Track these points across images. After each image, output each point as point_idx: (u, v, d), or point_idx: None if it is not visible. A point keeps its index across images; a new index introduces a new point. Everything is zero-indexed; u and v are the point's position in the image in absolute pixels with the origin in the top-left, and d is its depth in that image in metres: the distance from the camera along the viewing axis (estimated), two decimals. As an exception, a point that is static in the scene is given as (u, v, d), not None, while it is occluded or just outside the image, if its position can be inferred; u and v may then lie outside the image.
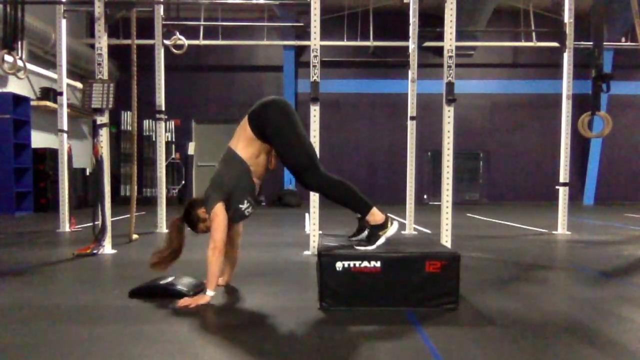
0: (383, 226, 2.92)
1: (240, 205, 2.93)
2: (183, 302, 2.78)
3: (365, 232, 2.99)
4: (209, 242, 2.82)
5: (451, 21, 4.45)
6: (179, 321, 2.53)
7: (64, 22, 6.65)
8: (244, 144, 2.91)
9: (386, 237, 2.92)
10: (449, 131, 4.50)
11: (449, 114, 4.47)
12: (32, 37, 8.81)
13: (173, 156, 11.96)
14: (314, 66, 4.54)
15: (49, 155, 9.19)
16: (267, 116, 2.88)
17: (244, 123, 2.93)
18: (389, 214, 3.01)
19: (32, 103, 9.22)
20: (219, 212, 2.83)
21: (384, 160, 12.65)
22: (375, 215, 2.93)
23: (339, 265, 2.71)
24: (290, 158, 2.90)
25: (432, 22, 7.56)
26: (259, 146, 2.92)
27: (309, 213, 4.66)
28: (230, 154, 2.94)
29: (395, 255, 2.74)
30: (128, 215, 5.63)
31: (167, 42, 6.93)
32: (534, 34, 11.02)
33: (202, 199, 2.98)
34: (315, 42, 4.53)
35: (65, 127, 6.54)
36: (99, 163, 4.63)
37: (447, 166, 4.50)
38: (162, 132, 6.62)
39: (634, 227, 7.17)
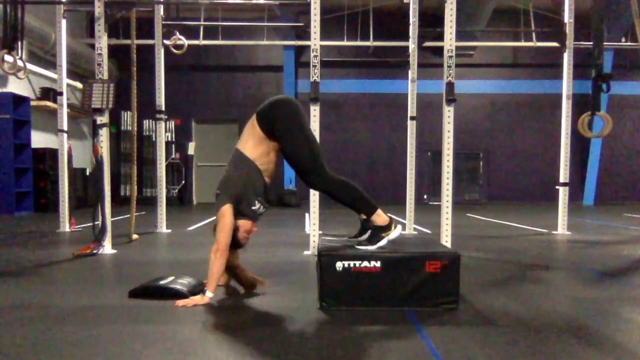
0: (386, 228, 2.90)
1: (253, 207, 2.90)
2: (181, 302, 2.78)
3: (367, 233, 2.96)
4: (213, 244, 2.81)
5: (451, 21, 4.45)
6: (179, 321, 2.53)
7: (64, 22, 6.64)
8: (253, 142, 2.88)
9: (388, 240, 2.90)
10: (449, 131, 4.49)
11: (449, 114, 4.47)
12: (32, 37, 8.82)
13: (173, 156, 11.96)
14: (314, 66, 4.54)
15: (49, 155, 9.19)
16: (276, 115, 2.86)
17: (252, 121, 2.90)
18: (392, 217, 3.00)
19: (32, 103, 9.22)
20: (226, 214, 2.79)
21: (384, 160, 12.64)
22: (380, 217, 2.92)
23: (339, 265, 2.71)
24: (296, 158, 2.89)
25: (432, 22, 7.55)
26: (269, 144, 2.88)
27: (309, 213, 4.66)
28: (239, 155, 2.90)
29: (395, 255, 2.74)
30: (128, 215, 5.63)
31: (167, 42, 6.93)
32: (534, 34, 11.02)
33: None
34: (315, 42, 4.53)
35: (65, 127, 6.54)
36: (99, 163, 4.63)
37: (447, 166, 4.50)
38: (162, 132, 6.63)
39: (634, 227, 7.16)
